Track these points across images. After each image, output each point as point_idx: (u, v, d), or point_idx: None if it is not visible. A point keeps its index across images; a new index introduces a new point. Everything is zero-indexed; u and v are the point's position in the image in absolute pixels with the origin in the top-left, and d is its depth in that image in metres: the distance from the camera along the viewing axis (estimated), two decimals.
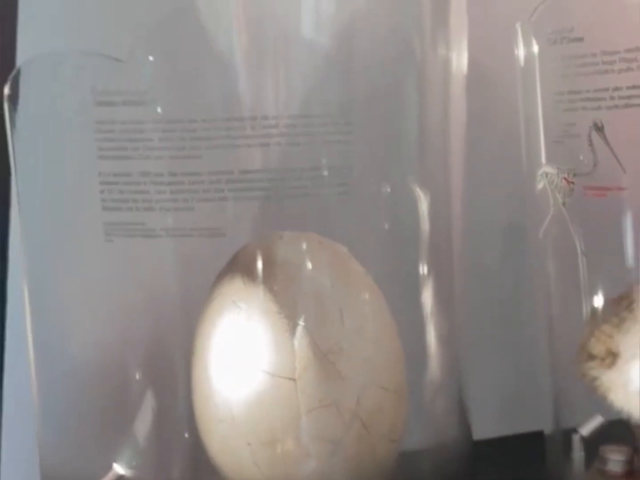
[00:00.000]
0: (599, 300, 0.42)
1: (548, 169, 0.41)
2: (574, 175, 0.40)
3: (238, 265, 0.42)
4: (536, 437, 0.48)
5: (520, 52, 0.41)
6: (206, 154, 0.38)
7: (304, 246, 0.42)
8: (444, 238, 0.43)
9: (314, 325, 0.39)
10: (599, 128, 0.39)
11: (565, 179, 0.40)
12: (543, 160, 0.41)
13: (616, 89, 0.37)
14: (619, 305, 0.41)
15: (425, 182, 0.41)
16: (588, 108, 0.39)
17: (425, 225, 0.43)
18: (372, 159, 0.40)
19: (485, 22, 0.44)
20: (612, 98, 0.38)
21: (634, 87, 0.37)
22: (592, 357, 0.41)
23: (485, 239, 0.50)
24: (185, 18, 0.37)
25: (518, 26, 0.41)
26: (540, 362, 0.47)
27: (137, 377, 0.42)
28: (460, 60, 0.41)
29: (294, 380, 0.39)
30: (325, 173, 0.39)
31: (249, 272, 0.41)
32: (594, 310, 0.43)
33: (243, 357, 0.40)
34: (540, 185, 0.41)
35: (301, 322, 0.39)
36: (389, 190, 0.40)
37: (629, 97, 0.37)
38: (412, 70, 0.40)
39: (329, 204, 0.39)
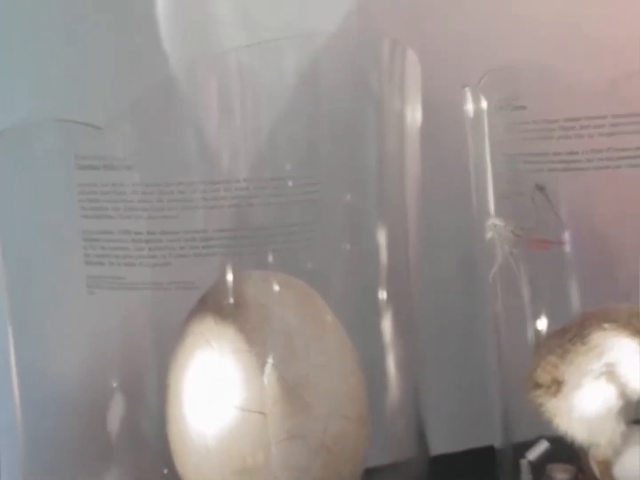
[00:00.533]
0: (544, 333, 0.46)
1: (496, 221, 0.44)
2: (520, 229, 0.43)
3: (209, 304, 0.44)
4: (488, 452, 0.51)
5: (469, 113, 0.44)
6: (182, 214, 0.40)
7: (272, 285, 0.44)
8: (403, 272, 0.46)
9: (282, 361, 0.42)
10: (541, 188, 0.42)
11: (512, 231, 0.43)
12: (492, 212, 0.44)
13: (556, 154, 0.40)
14: (562, 338, 0.45)
15: (385, 224, 0.44)
16: (531, 170, 0.42)
17: (384, 259, 0.46)
18: (336, 211, 0.42)
19: (439, 79, 0.47)
20: (552, 162, 0.41)
21: (571, 152, 0.40)
22: (538, 385, 0.45)
23: (441, 272, 0.54)
24: (162, 89, 0.39)
25: (467, 90, 0.44)
26: (491, 383, 0.50)
27: (113, 411, 0.44)
28: (415, 113, 0.44)
29: (264, 414, 0.42)
30: (295, 229, 0.41)
31: (219, 311, 0.43)
32: (540, 343, 0.46)
33: (216, 393, 0.42)
34: (489, 235, 0.44)
35: (270, 360, 0.42)
36: (352, 233, 0.43)
37: (567, 161, 0.41)
38: (371, 124, 0.43)
39: (298, 254, 0.42)
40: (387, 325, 0.47)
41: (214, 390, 0.42)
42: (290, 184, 0.41)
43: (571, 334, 0.44)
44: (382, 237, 0.44)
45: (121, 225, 0.41)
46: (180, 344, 0.44)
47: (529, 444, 0.46)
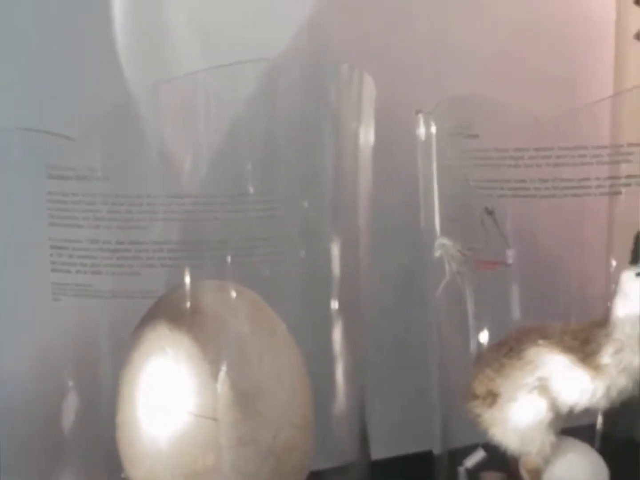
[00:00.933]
0: (482, 347, 0.48)
1: (444, 241, 0.46)
2: (468, 249, 0.46)
3: (163, 312, 0.45)
4: (427, 458, 0.53)
5: (420, 137, 0.47)
6: (151, 225, 0.42)
7: (227, 295, 0.45)
8: (353, 284, 0.48)
9: (235, 369, 0.44)
10: (490, 212, 0.45)
11: (460, 251, 0.46)
12: (440, 231, 0.46)
13: (505, 181, 0.43)
14: (499, 352, 0.47)
15: (339, 237, 0.46)
16: (481, 195, 0.45)
17: (337, 271, 0.48)
18: (293, 225, 0.44)
19: (394, 103, 0.49)
20: (501, 188, 0.44)
21: (520, 180, 0.43)
22: (476, 396, 0.47)
23: (388, 282, 0.56)
24: (127, 108, 0.41)
25: (420, 116, 0.46)
26: (432, 392, 0.52)
27: (66, 417, 0.45)
28: (369, 134, 0.46)
29: (216, 420, 0.43)
30: (257, 243, 0.43)
31: (175, 319, 0.45)
32: (478, 356, 0.49)
33: (170, 398, 0.44)
34: (437, 253, 0.47)
35: (224, 368, 0.44)
36: (307, 250, 0.45)
37: (516, 188, 0.43)
38: (329, 143, 0.45)
39: (259, 268, 0.44)
40: (337, 334, 0.49)
41: (168, 395, 0.44)
42: (250, 199, 0.42)
43: (507, 348, 0.47)
44: (335, 250, 0.46)
45: (89, 234, 0.42)
46: (133, 350, 0.45)
47: (466, 451, 0.49)
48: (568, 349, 0.45)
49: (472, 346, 0.48)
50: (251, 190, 0.42)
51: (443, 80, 0.54)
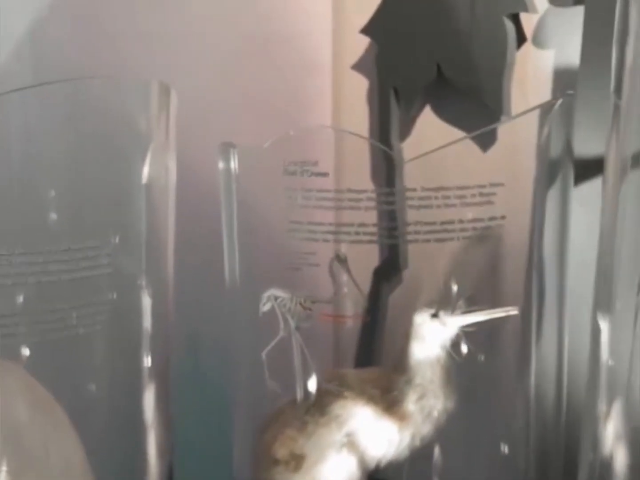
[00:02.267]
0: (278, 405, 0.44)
1: (277, 292, 0.41)
2: (312, 302, 0.41)
3: None
4: None
5: (222, 172, 0.41)
6: None
7: None
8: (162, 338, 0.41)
9: (16, 468, 0.35)
10: (342, 260, 0.41)
11: (300, 304, 0.41)
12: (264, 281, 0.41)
13: (362, 225, 0.39)
14: (298, 409, 0.44)
15: (149, 289, 0.39)
16: (329, 240, 0.40)
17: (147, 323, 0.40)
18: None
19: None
20: (357, 233, 0.40)
21: (374, 225, 0.39)
22: (277, 461, 0.43)
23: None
24: None
25: (225, 149, 0.40)
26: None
27: None
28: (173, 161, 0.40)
29: None
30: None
31: None
32: (273, 415, 0.45)
33: None
34: (266, 308, 0.42)
35: (3, 468, 0.34)
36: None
37: (372, 233, 0.40)
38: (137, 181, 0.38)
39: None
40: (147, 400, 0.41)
41: None
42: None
43: (306, 405, 0.44)
44: (146, 303, 0.39)
45: None
46: None
47: None
48: (371, 399, 0.43)
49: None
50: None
51: None
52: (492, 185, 0.38)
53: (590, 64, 0.42)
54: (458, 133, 0.52)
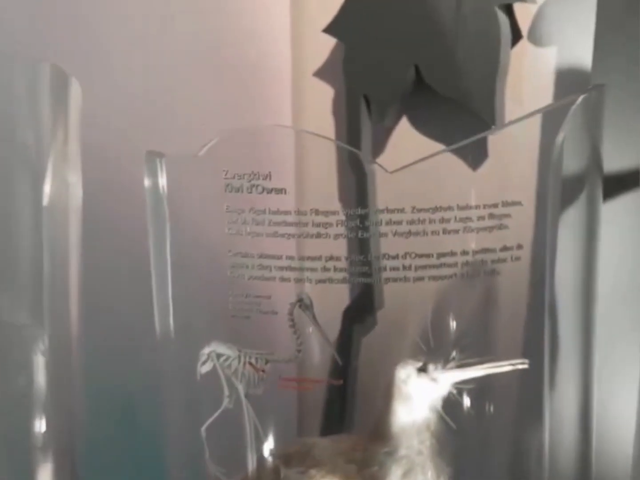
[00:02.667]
0: None
1: (220, 348, 0.32)
2: (266, 362, 0.32)
3: None
4: None
5: (148, 190, 0.33)
6: None
7: None
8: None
9: None
10: (306, 305, 0.32)
11: (250, 364, 0.32)
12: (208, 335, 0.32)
13: (332, 258, 0.30)
14: None
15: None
16: (288, 278, 0.31)
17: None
18: None
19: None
20: (325, 269, 0.30)
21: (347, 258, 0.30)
22: None
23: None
24: None
25: (150, 156, 0.32)
26: None
27: None
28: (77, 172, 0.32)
29: None
30: None
31: None
32: None
33: None
34: (205, 368, 0.33)
35: None
36: None
37: (344, 269, 0.30)
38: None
39: None
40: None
41: None
42: None
43: None
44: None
45: None
46: None
47: None
48: (346, 478, 0.36)
49: None
50: None
51: None
52: (506, 204, 0.30)
53: (608, 55, 0.36)
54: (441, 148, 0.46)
